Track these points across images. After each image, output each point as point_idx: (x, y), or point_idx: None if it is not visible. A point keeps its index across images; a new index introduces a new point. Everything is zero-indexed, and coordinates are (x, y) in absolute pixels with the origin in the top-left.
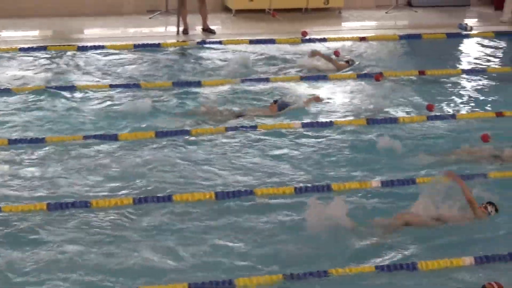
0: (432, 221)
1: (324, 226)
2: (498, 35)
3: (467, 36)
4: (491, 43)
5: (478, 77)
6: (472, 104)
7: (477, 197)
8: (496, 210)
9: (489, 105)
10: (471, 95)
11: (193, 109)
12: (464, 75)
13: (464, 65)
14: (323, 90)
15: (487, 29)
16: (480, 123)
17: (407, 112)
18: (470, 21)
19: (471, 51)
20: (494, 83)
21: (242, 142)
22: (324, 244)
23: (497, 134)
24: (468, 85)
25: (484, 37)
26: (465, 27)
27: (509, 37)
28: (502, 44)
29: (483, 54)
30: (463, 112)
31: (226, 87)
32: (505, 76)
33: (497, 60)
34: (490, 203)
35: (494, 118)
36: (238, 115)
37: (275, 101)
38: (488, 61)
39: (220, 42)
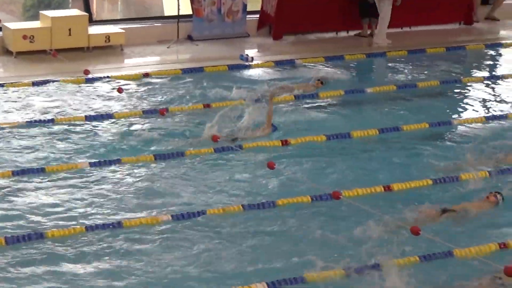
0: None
1: None
2: (278, 64)
3: (249, 66)
4: (272, 72)
5: (262, 106)
6: None
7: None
8: (503, 199)
9: (275, 134)
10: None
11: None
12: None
13: (247, 95)
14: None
15: (267, 58)
16: (266, 153)
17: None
18: (251, 52)
19: (253, 81)
20: (278, 112)
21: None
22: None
23: (281, 163)
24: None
25: (265, 67)
26: (246, 58)
27: (288, 64)
28: (282, 72)
29: (265, 83)
30: (251, 142)
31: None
32: (287, 105)
33: None
34: (498, 192)
35: (279, 148)
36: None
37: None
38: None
39: (2, 86)
